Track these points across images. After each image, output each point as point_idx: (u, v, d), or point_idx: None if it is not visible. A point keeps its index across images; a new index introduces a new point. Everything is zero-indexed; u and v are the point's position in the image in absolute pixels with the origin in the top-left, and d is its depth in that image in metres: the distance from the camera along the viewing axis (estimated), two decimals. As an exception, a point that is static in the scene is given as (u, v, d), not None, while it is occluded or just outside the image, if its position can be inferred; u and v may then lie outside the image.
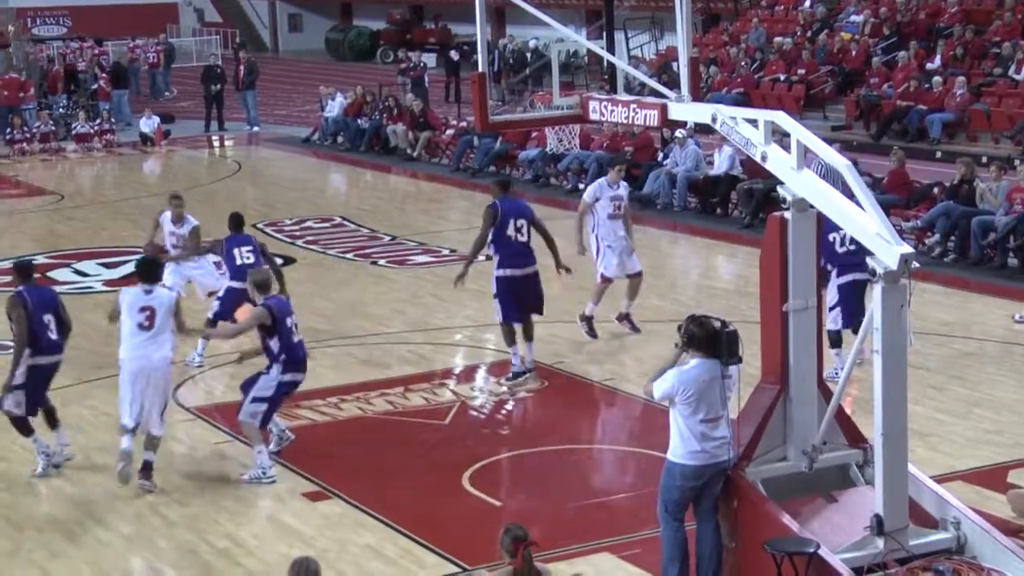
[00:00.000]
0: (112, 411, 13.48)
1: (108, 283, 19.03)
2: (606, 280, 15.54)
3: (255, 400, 11.58)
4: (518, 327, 14.18)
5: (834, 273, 13.55)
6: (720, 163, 22.93)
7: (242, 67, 34.68)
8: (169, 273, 14.91)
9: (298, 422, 13.08)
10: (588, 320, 15.47)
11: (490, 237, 14.01)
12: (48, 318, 11.70)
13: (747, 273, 17.42)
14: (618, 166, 15.92)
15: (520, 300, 14.06)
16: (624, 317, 15.69)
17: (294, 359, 11.56)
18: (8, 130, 31.90)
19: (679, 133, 22.91)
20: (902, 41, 30.59)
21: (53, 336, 11.73)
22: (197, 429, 13.01)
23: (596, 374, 14.41)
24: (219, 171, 30.01)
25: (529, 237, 14.04)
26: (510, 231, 13.95)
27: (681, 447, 8.94)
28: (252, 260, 14.53)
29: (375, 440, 12.71)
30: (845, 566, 8.57)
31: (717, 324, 8.91)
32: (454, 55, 39.87)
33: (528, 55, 37.00)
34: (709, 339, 8.88)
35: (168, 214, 15.72)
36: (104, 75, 36.08)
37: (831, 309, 13.44)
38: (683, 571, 9.07)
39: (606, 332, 15.60)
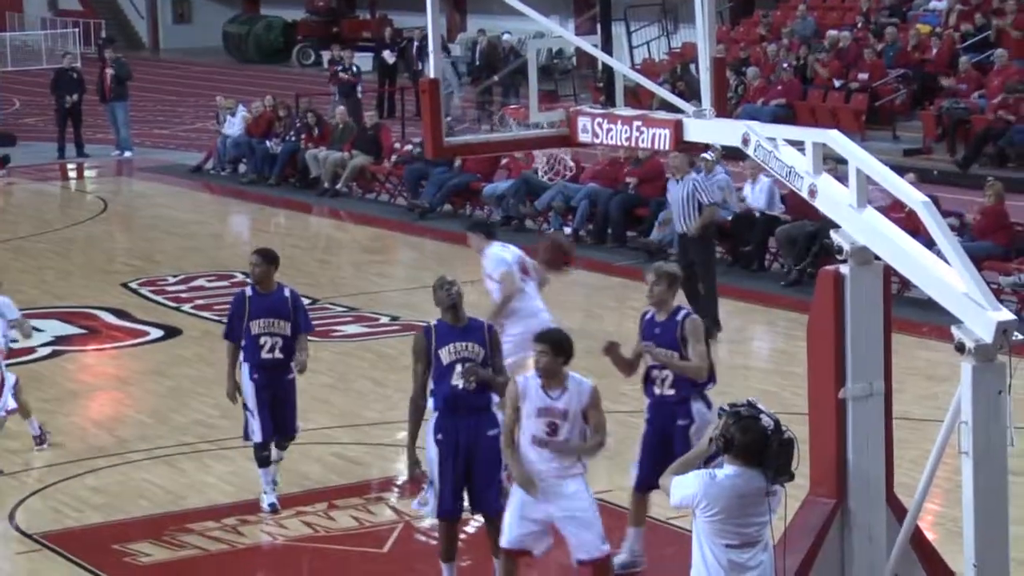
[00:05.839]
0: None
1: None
2: None
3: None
4: None
5: None
6: (754, 199, 22.95)
7: (108, 71, 34.69)
8: None
9: (183, 552, 13.03)
10: None
11: None
12: None
13: (790, 347, 17.46)
14: None
15: None
16: None
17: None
18: None
19: (707, 156, 22.89)
20: (999, 35, 30.79)
21: None
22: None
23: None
24: (77, 211, 29.97)
25: None
26: None
27: (704, 574, 8.87)
28: None
29: (288, 577, 12.71)
30: None
31: (767, 425, 8.69)
32: (388, 56, 39.98)
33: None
34: (754, 448, 8.69)
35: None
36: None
37: None
38: None
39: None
